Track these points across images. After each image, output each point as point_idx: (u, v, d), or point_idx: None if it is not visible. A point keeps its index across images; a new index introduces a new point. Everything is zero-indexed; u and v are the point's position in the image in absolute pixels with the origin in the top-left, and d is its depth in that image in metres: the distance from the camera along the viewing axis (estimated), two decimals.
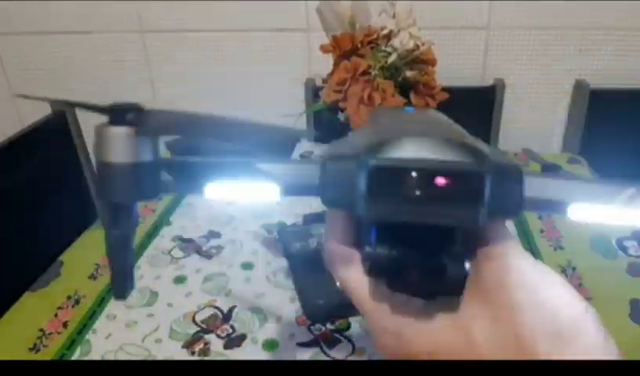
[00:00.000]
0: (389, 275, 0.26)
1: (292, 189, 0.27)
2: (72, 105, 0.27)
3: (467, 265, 0.26)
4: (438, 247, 0.25)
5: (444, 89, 1.12)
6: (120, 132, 0.25)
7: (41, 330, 0.76)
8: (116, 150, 0.25)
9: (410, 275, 0.26)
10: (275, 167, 0.28)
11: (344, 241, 0.29)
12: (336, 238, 0.30)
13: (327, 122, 1.19)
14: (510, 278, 0.26)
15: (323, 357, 0.68)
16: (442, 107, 1.10)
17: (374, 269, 0.26)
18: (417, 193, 0.23)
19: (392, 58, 1.05)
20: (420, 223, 0.24)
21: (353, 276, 0.29)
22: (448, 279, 0.25)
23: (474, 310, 0.26)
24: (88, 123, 1.50)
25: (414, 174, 0.23)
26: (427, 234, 0.25)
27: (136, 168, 0.25)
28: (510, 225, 0.94)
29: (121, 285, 0.30)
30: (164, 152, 1.09)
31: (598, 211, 0.25)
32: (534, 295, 0.25)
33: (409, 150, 0.24)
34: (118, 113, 0.25)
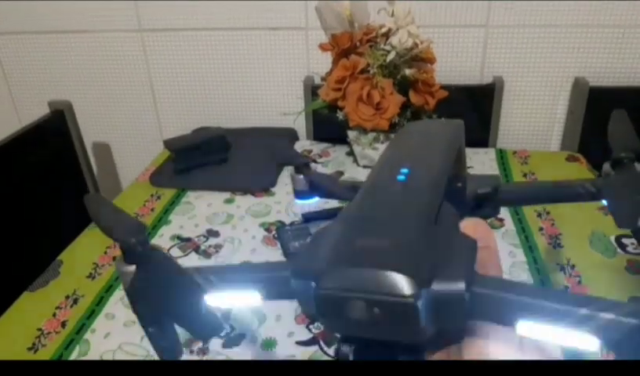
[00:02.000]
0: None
1: (272, 296, 0.31)
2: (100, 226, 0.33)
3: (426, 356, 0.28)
4: (394, 347, 0.28)
5: (443, 87, 1.12)
6: (127, 271, 0.31)
7: (39, 329, 0.76)
8: (127, 281, 0.31)
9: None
10: (257, 276, 0.32)
11: None
12: None
13: (326, 120, 1.19)
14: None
15: (322, 356, 0.68)
16: (442, 105, 1.10)
17: (340, 361, 0.30)
18: (358, 317, 0.26)
19: (391, 56, 1.05)
20: (366, 338, 0.27)
21: None
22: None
23: None
24: (86, 123, 1.50)
25: (354, 303, 0.26)
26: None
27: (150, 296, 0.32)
28: (508, 221, 0.94)
29: (166, 357, 0.35)
30: (163, 151, 1.08)
31: (546, 330, 0.25)
32: None
33: (352, 279, 0.26)
34: (128, 252, 0.31)
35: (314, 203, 0.55)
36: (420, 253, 0.27)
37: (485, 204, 0.41)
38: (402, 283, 0.25)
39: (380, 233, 0.29)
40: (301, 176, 0.52)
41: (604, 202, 0.39)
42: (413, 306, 0.25)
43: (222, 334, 0.36)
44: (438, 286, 0.25)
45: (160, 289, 0.32)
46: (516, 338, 0.27)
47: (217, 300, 0.31)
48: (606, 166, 0.40)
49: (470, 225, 0.31)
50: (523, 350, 0.27)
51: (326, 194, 0.53)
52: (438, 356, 0.29)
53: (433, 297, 0.25)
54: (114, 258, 0.91)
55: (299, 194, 0.53)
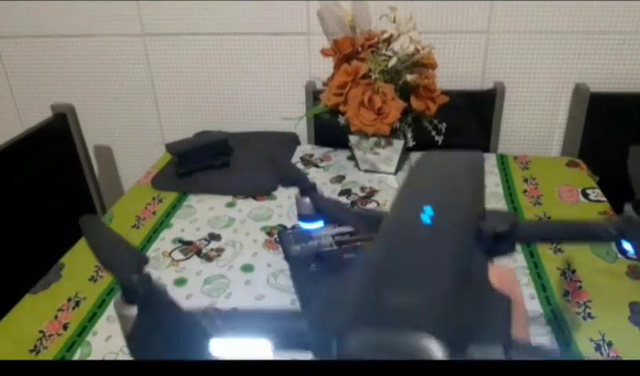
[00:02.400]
0: None
1: (285, 346, 0.30)
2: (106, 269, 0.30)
3: None
4: None
5: (444, 93, 1.12)
6: (127, 313, 0.29)
7: (41, 331, 0.76)
8: (128, 324, 0.29)
9: None
10: (268, 323, 0.30)
11: None
12: None
13: (327, 125, 1.19)
14: None
15: None
16: (443, 110, 1.11)
17: None
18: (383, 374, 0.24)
19: (392, 62, 1.05)
20: None
21: None
22: None
23: None
24: (89, 126, 1.50)
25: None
26: None
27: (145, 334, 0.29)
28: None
29: None
30: (165, 155, 1.09)
31: None
32: None
33: (379, 343, 0.24)
34: (128, 291, 0.29)
35: (320, 228, 0.52)
36: (453, 312, 0.24)
37: (502, 241, 0.39)
38: (435, 348, 0.23)
39: (408, 286, 0.26)
40: (307, 200, 0.50)
41: (625, 243, 0.38)
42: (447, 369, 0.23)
43: None
44: (473, 352, 0.23)
45: (163, 333, 0.29)
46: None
47: (223, 348, 0.30)
48: (628, 208, 0.38)
49: (495, 274, 0.29)
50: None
51: (332, 220, 0.51)
52: None
53: (470, 357, 0.23)
54: None
55: (304, 218, 0.50)
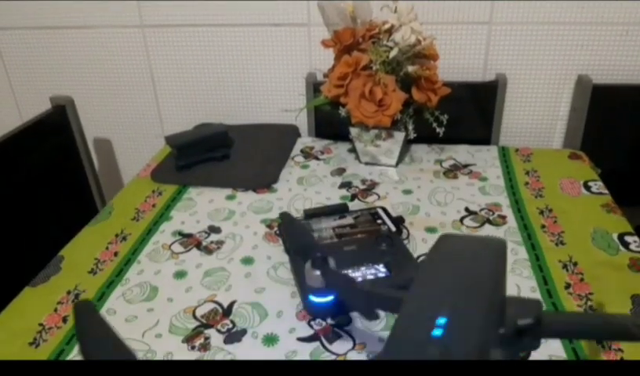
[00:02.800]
0: None
1: None
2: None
3: None
4: None
5: (445, 84, 1.12)
6: None
7: (41, 324, 0.76)
8: None
9: None
10: None
11: None
12: None
13: (328, 117, 1.18)
14: None
15: (323, 352, 0.68)
16: (444, 102, 1.10)
17: None
18: None
19: (394, 53, 1.04)
20: None
21: None
22: None
23: None
24: (88, 118, 1.50)
25: None
26: None
27: None
28: (510, 218, 0.94)
29: None
30: (164, 147, 1.08)
31: None
32: None
33: None
34: None
35: (330, 302, 0.47)
36: None
37: (525, 334, 0.35)
38: None
39: None
40: (317, 272, 0.46)
41: None
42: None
43: None
44: None
45: None
46: None
47: None
48: None
49: None
50: None
51: (343, 296, 0.46)
52: None
53: None
54: (115, 254, 0.90)
55: (314, 291, 0.46)
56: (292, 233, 0.50)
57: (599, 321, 0.39)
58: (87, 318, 0.30)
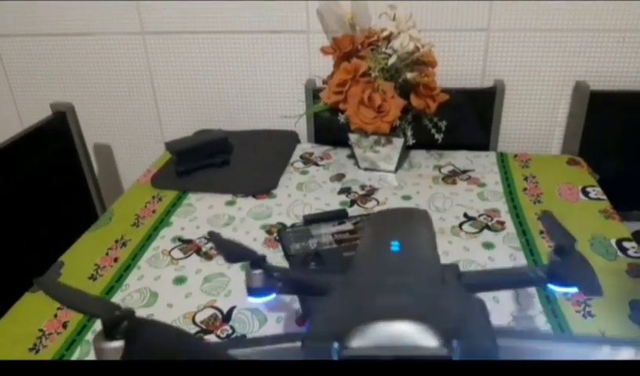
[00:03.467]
0: None
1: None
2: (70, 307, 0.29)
3: None
4: None
5: (444, 91, 1.12)
6: (113, 348, 0.27)
7: (41, 330, 0.76)
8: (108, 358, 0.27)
9: None
10: (261, 352, 0.30)
11: None
12: None
13: (327, 123, 1.19)
14: None
15: None
16: (442, 108, 1.10)
17: None
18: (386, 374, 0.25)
19: (392, 60, 1.05)
20: None
21: None
22: None
23: None
24: (88, 124, 1.50)
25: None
26: None
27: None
28: (509, 224, 0.95)
29: None
30: (164, 153, 1.09)
31: None
32: None
33: (378, 336, 0.25)
34: (111, 326, 0.27)
35: (271, 300, 0.48)
36: (444, 307, 0.26)
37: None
38: (435, 333, 0.24)
39: (395, 291, 0.28)
40: (258, 271, 0.47)
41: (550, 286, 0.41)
42: (448, 359, 0.24)
43: None
44: (469, 336, 0.25)
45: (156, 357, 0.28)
46: None
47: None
48: (552, 255, 0.41)
49: None
50: None
51: (286, 288, 0.48)
52: None
53: (466, 347, 0.24)
54: (115, 260, 0.91)
55: (253, 292, 0.47)
56: (226, 246, 0.50)
57: (504, 272, 0.47)
58: (54, 288, 0.31)
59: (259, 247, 0.92)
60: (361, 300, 0.27)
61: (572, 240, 0.38)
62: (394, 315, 0.25)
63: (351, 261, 0.33)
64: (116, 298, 0.81)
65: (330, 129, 1.18)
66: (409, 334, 0.24)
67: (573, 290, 0.32)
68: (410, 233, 0.35)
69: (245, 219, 1.01)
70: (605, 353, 0.24)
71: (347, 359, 0.25)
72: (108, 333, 0.27)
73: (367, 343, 0.25)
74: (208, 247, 0.93)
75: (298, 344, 0.28)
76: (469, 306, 0.27)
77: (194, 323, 0.75)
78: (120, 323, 0.27)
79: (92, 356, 0.70)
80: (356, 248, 0.36)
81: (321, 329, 0.28)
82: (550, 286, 0.40)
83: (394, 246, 0.32)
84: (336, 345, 0.26)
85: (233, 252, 0.49)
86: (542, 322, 0.72)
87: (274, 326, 0.74)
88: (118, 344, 0.27)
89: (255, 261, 0.46)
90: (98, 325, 0.75)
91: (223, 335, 0.72)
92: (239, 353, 0.30)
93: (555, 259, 0.40)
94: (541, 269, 0.39)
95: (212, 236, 0.51)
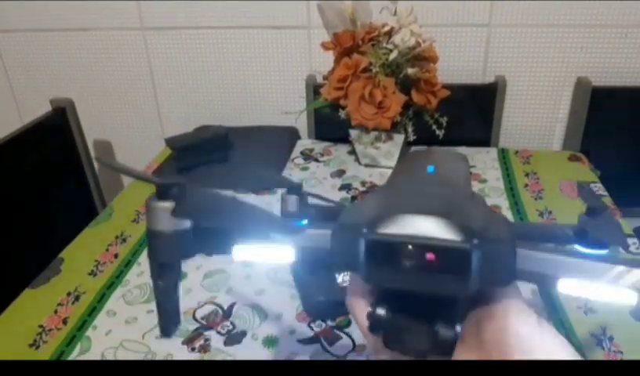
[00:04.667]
0: (386, 334, 0.30)
1: (307, 253, 0.31)
2: (119, 170, 0.32)
3: (459, 328, 0.28)
4: (431, 310, 0.28)
5: (445, 86, 1.12)
6: (164, 207, 0.31)
7: (41, 326, 0.76)
8: (161, 221, 0.31)
9: (404, 336, 0.29)
10: (293, 233, 0.32)
11: (361, 290, 0.32)
12: (354, 287, 0.33)
13: (328, 119, 1.19)
14: (508, 339, 0.27)
15: (323, 354, 0.68)
16: (444, 104, 1.10)
17: (373, 327, 0.30)
18: (409, 265, 0.26)
19: (393, 55, 1.04)
20: (412, 291, 0.27)
21: (358, 310, 0.32)
22: (439, 341, 0.28)
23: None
24: (88, 120, 1.50)
25: (406, 249, 0.26)
26: (422, 298, 0.28)
27: (175, 235, 0.31)
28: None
29: (167, 325, 0.35)
30: (164, 149, 1.09)
31: (587, 287, 0.26)
32: (529, 358, 0.26)
33: (406, 226, 0.27)
34: (163, 189, 0.30)
35: (304, 225, 0.50)
36: (471, 210, 0.28)
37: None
38: (458, 230, 0.26)
39: (428, 194, 0.30)
40: (293, 197, 0.49)
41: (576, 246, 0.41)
42: (468, 254, 0.26)
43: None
44: (490, 239, 0.26)
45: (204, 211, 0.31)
46: (534, 316, 0.28)
47: (245, 253, 0.31)
48: (583, 217, 0.41)
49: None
50: (541, 329, 0.27)
51: (318, 216, 0.50)
52: (465, 327, 0.29)
53: (486, 248, 0.26)
54: (115, 256, 0.91)
55: (289, 217, 0.49)
56: (265, 175, 0.54)
57: (534, 230, 0.47)
58: (111, 163, 0.33)
59: None
60: (391, 197, 0.30)
61: (605, 207, 0.38)
62: (422, 210, 0.27)
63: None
64: (116, 294, 0.81)
65: (331, 125, 1.18)
66: (434, 228, 0.26)
67: (602, 252, 0.31)
68: (446, 164, 0.37)
69: None
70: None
71: (374, 242, 0.27)
72: (160, 195, 0.31)
73: (394, 230, 0.27)
74: None
75: (328, 231, 0.29)
76: (494, 218, 0.29)
77: (195, 318, 0.75)
78: (171, 187, 0.30)
79: (92, 353, 0.70)
80: (393, 171, 0.38)
81: (351, 218, 0.29)
82: (577, 246, 0.40)
83: (430, 168, 0.34)
84: (365, 229, 0.27)
85: (271, 180, 0.52)
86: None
87: (274, 322, 0.74)
88: (169, 203, 0.31)
89: (292, 187, 0.49)
90: (98, 321, 0.75)
91: (224, 331, 0.72)
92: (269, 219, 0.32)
93: (585, 219, 0.41)
94: (569, 227, 0.39)
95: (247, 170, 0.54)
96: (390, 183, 0.35)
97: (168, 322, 0.34)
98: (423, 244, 0.26)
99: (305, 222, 0.50)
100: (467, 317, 0.29)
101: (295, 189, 0.49)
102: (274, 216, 0.32)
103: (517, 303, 0.28)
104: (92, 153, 1.42)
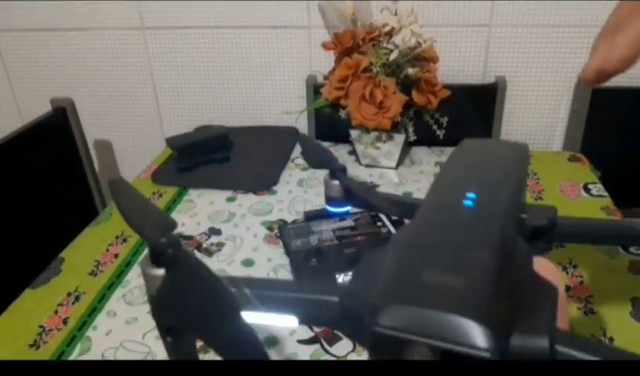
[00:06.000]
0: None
1: (310, 321, 0.29)
2: (128, 223, 0.29)
3: None
4: None
5: (445, 86, 1.12)
6: (156, 275, 0.28)
7: (41, 326, 0.76)
8: (153, 285, 0.29)
9: None
10: (295, 298, 0.29)
11: None
12: None
13: (328, 119, 1.19)
14: None
15: (323, 354, 0.68)
16: (444, 104, 1.10)
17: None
18: (418, 359, 0.23)
19: (394, 55, 1.04)
20: None
21: None
22: None
23: None
24: (88, 120, 1.50)
25: (415, 348, 0.22)
26: None
27: (175, 300, 0.28)
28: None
29: None
30: (165, 149, 1.08)
31: None
32: None
33: (417, 320, 0.22)
34: (156, 253, 0.28)
35: (347, 211, 0.50)
36: (498, 297, 0.23)
37: (539, 237, 0.36)
38: (477, 332, 0.21)
39: (449, 268, 0.24)
40: (336, 182, 0.48)
41: None
42: (488, 361, 0.21)
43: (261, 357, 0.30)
44: (518, 340, 0.22)
45: (190, 298, 0.28)
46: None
47: (250, 317, 0.29)
48: None
49: (538, 264, 0.28)
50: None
51: (361, 204, 0.49)
52: None
53: (511, 353, 0.22)
54: (115, 256, 0.91)
55: (331, 201, 0.48)
56: (309, 149, 0.51)
57: (612, 225, 0.41)
58: (123, 192, 0.31)
59: (259, 244, 0.92)
60: (408, 268, 0.25)
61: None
62: (436, 302, 0.22)
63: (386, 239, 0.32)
64: (117, 294, 0.81)
65: (331, 125, 1.18)
66: (449, 327, 0.22)
67: None
68: (496, 178, 0.31)
69: (246, 215, 1.01)
70: None
71: (377, 334, 0.23)
72: (153, 259, 0.28)
73: (400, 325, 0.22)
74: (209, 243, 0.93)
75: (335, 299, 0.26)
76: (536, 294, 0.24)
77: None
78: (165, 251, 0.27)
79: (92, 353, 0.70)
80: (436, 180, 0.32)
81: (358, 291, 0.25)
82: None
83: (469, 200, 0.29)
84: (368, 318, 0.23)
85: (316, 157, 0.50)
86: None
87: (276, 327, 0.74)
88: (160, 272, 0.28)
89: (334, 170, 0.47)
90: (98, 322, 0.75)
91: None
92: (267, 296, 0.29)
93: None
94: None
95: (302, 138, 0.52)
96: (416, 222, 0.29)
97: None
98: (434, 346, 0.22)
99: (348, 208, 0.49)
100: None
101: (338, 173, 0.47)
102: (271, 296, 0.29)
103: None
104: (93, 153, 1.41)
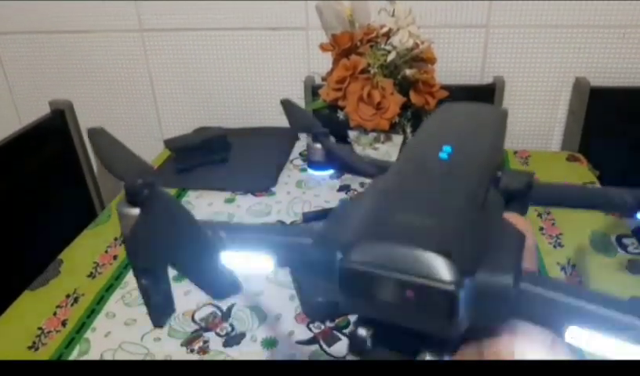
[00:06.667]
0: (366, 354, 0.27)
1: (286, 263, 0.29)
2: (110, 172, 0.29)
3: (447, 357, 0.25)
4: (416, 338, 0.25)
5: (443, 87, 1.12)
6: (131, 214, 0.28)
7: (40, 328, 0.76)
8: (128, 225, 0.28)
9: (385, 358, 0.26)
10: (273, 239, 0.29)
11: None
12: None
13: (326, 120, 1.19)
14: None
15: (322, 355, 0.68)
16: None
17: (353, 347, 0.27)
18: (386, 299, 0.23)
19: (391, 56, 1.05)
20: (391, 324, 0.24)
21: None
22: None
23: None
24: (87, 122, 1.50)
25: (382, 282, 0.23)
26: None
27: (150, 240, 0.28)
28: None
29: (159, 315, 0.32)
30: (163, 151, 1.09)
31: (602, 341, 0.22)
32: None
33: (386, 255, 0.23)
34: (132, 193, 0.27)
35: (328, 175, 0.51)
36: (466, 237, 0.24)
37: (514, 200, 0.37)
38: (444, 267, 0.22)
39: (420, 210, 0.25)
40: (318, 145, 0.49)
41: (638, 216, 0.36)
42: (454, 295, 0.22)
43: (239, 293, 0.31)
44: (483, 276, 0.22)
45: (166, 238, 0.28)
46: (549, 337, 0.24)
47: (226, 260, 0.29)
48: None
49: (509, 216, 0.28)
50: (555, 351, 0.24)
51: (343, 167, 0.50)
52: (458, 354, 0.26)
53: (476, 288, 0.22)
54: (114, 257, 0.91)
55: (313, 164, 0.50)
56: (293, 113, 0.52)
57: (585, 190, 0.42)
58: (102, 140, 0.31)
59: None
60: (382, 211, 0.26)
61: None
62: (406, 238, 0.23)
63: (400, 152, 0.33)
64: (115, 296, 0.81)
65: (329, 126, 1.17)
66: (417, 261, 0.22)
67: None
68: (473, 135, 0.32)
69: (245, 217, 1.01)
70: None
71: (347, 271, 0.24)
72: (129, 199, 0.28)
73: (372, 258, 0.23)
74: None
75: (309, 240, 0.26)
76: (501, 239, 0.24)
77: (194, 320, 0.75)
78: (140, 191, 0.27)
79: (91, 355, 0.70)
80: (413, 136, 0.34)
81: (331, 232, 0.26)
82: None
83: (444, 152, 0.29)
84: (339, 254, 0.24)
85: (299, 121, 0.50)
86: None
87: (273, 324, 0.74)
88: (135, 211, 0.28)
89: (317, 134, 0.48)
90: (97, 323, 0.75)
91: (223, 333, 0.72)
92: (239, 238, 0.29)
93: None
94: (631, 193, 0.34)
95: (285, 102, 0.53)
96: (392, 173, 0.30)
97: (159, 312, 0.32)
98: (402, 281, 0.22)
99: (330, 172, 0.49)
100: (465, 342, 0.26)
101: (321, 136, 0.48)
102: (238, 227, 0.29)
103: (525, 326, 0.24)
104: (91, 155, 1.41)
